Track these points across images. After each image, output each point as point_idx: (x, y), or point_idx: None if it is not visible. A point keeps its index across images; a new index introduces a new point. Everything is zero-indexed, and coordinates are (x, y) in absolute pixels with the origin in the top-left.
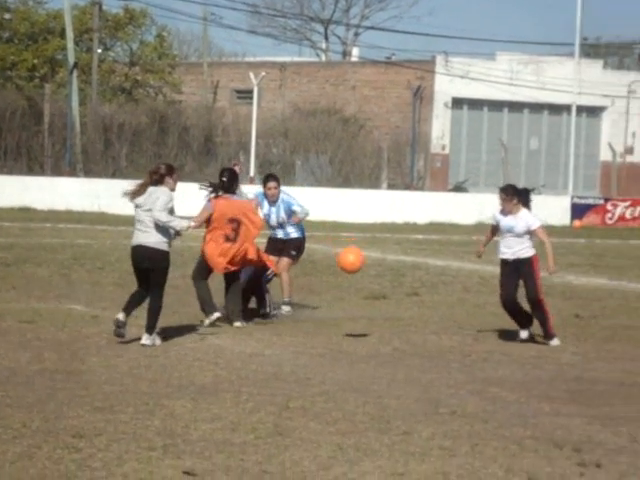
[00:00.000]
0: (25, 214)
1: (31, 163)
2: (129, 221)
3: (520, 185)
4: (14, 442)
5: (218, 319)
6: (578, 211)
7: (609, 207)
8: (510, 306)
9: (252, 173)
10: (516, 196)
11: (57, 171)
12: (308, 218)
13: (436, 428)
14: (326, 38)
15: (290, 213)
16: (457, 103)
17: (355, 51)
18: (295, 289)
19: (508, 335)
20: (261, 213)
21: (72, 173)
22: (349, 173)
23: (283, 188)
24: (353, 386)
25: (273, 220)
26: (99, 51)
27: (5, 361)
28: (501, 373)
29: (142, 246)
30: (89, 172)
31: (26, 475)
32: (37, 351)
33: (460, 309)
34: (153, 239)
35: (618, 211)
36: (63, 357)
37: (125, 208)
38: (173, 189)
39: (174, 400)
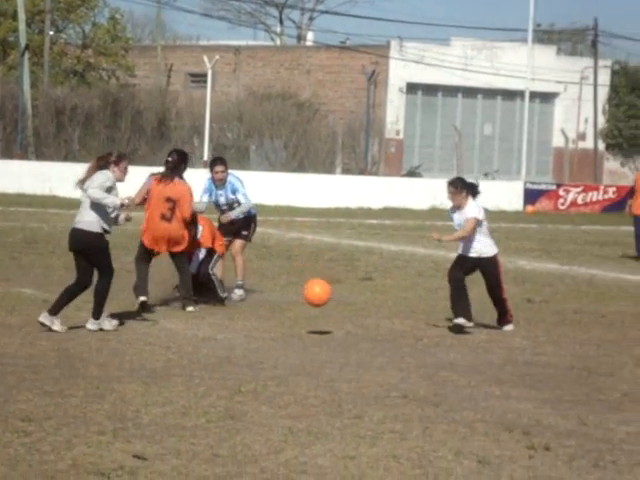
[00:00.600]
0: None
1: None
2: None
3: (474, 171)
4: None
5: (143, 304)
6: (531, 196)
7: (561, 193)
8: (455, 282)
9: (206, 157)
10: (465, 189)
11: (8, 154)
12: (262, 202)
13: (387, 412)
14: (281, 22)
15: (235, 196)
16: (411, 88)
17: (310, 35)
18: (249, 273)
19: None
20: (206, 199)
21: (23, 156)
22: (303, 158)
23: (236, 173)
24: (305, 370)
25: (222, 202)
26: (51, 33)
27: None
28: (452, 357)
29: (75, 228)
30: (41, 155)
31: None
32: None
33: (413, 293)
34: (86, 219)
35: (570, 197)
36: (13, 341)
37: (77, 191)
38: (120, 179)
39: (125, 384)
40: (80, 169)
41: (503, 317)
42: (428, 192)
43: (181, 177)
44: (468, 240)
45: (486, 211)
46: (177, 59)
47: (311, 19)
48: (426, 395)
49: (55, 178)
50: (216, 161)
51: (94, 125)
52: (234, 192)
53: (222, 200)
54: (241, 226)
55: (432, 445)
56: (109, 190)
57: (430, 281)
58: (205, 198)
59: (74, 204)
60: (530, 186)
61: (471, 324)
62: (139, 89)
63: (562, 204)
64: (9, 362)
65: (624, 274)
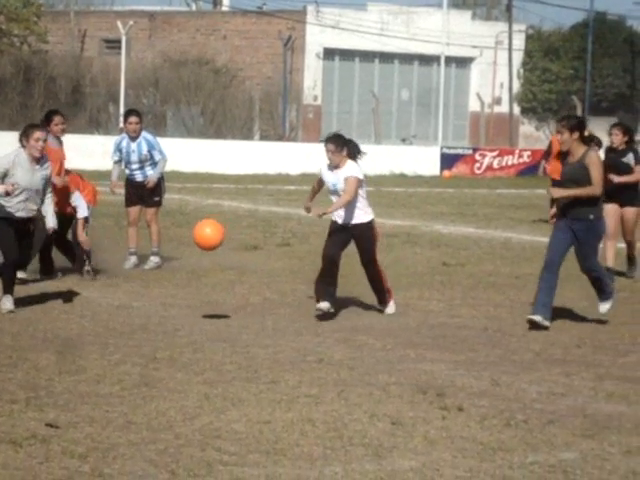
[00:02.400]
0: None
1: None
2: None
3: (392, 136)
4: None
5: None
6: (447, 161)
7: (477, 157)
8: (329, 262)
9: (122, 124)
10: (346, 147)
11: None
12: (180, 169)
13: (302, 376)
14: None
15: (151, 155)
16: (328, 54)
17: (226, 1)
18: (165, 240)
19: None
20: (117, 157)
21: None
22: (221, 124)
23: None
24: (222, 337)
25: (134, 159)
26: None
27: None
28: (367, 321)
29: None
30: None
31: None
32: None
33: None
34: None
35: (486, 161)
36: None
37: None
38: (34, 154)
39: (38, 353)
40: None
41: (382, 296)
42: None
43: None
44: (347, 205)
45: (402, 176)
46: (91, 25)
47: None
48: (342, 359)
49: None
50: (131, 112)
51: (7, 92)
52: (150, 148)
53: (134, 157)
54: (151, 192)
55: (347, 408)
56: (4, 175)
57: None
58: (116, 157)
59: None
60: (447, 151)
61: (331, 309)
62: (52, 56)
63: (478, 168)
64: None
65: (538, 237)
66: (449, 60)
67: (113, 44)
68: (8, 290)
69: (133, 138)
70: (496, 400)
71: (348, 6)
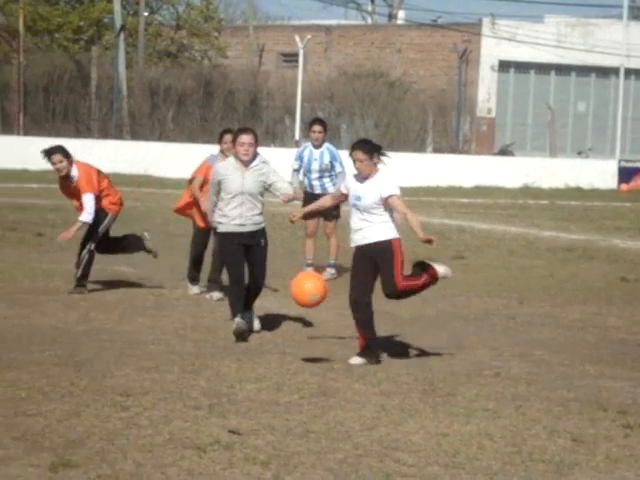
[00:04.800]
0: None
1: (78, 126)
2: (175, 184)
3: (567, 149)
4: (62, 400)
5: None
6: (625, 175)
7: None
8: (358, 310)
9: (297, 137)
10: (376, 153)
11: (104, 134)
12: None
13: (480, 390)
14: (372, 1)
15: (331, 165)
16: (504, 66)
17: (401, 14)
18: (341, 252)
19: (553, 298)
20: (297, 165)
21: (119, 136)
22: (394, 137)
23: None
24: (396, 347)
25: (315, 168)
26: (145, 14)
27: (53, 321)
28: (545, 336)
29: None
30: (135, 135)
31: (74, 433)
32: (84, 311)
33: (505, 272)
34: None
35: None
36: (110, 318)
37: (171, 171)
38: (241, 159)
39: (219, 360)
40: (174, 149)
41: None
42: (520, 170)
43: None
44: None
45: (578, 190)
46: (269, 39)
47: None
48: (519, 373)
49: (149, 158)
50: (315, 121)
51: (187, 105)
52: (332, 159)
53: (315, 166)
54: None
55: (525, 423)
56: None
57: (522, 260)
58: (296, 165)
59: (167, 183)
60: (625, 164)
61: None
62: (231, 70)
63: None
64: (106, 338)
65: None
66: (628, 72)
67: (290, 58)
68: (236, 312)
69: (316, 147)
70: None
71: (525, 18)
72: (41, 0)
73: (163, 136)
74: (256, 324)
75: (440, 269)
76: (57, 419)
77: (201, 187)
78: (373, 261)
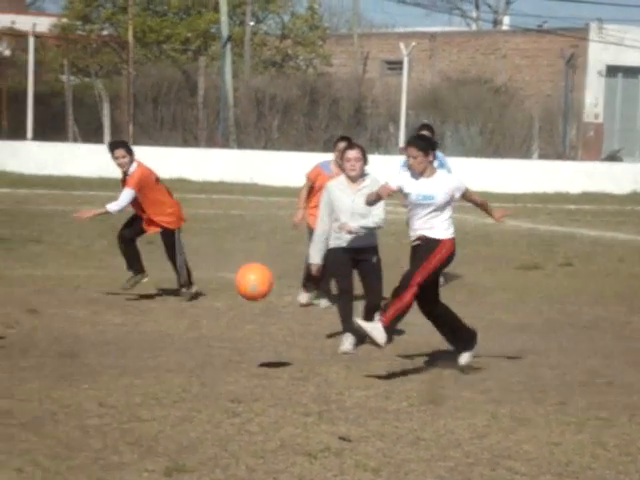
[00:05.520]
0: (180, 185)
1: (186, 135)
2: (280, 192)
3: None
4: (175, 406)
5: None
6: None
7: None
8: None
9: (402, 144)
10: (432, 151)
11: (211, 143)
12: None
13: (592, 398)
14: (477, 7)
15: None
16: (611, 71)
17: (506, 20)
18: None
19: None
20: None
21: (225, 145)
22: (499, 143)
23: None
24: (506, 355)
25: None
26: (251, 24)
27: (164, 328)
28: None
29: None
30: (241, 144)
31: (187, 438)
32: (194, 318)
33: (615, 279)
34: None
35: None
36: (219, 324)
37: (276, 179)
38: (348, 175)
39: (328, 367)
40: (279, 157)
41: (375, 313)
42: (629, 176)
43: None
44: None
45: None
46: (373, 47)
47: (507, 3)
48: (632, 382)
49: (255, 166)
50: (423, 126)
51: (292, 114)
52: (440, 165)
53: None
54: None
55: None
56: None
57: (632, 267)
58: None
59: (273, 191)
60: None
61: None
62: (336, 78)
63: None
64: (216, 345)
65: None
66: None
67: (394, 65)
68: (347, 327)
69: None
70: None
71: (633, 22)
72: (150, 12)
73: (268, 144)
74: (347, 345)
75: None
76: (170, 424)
77: (309, 193)
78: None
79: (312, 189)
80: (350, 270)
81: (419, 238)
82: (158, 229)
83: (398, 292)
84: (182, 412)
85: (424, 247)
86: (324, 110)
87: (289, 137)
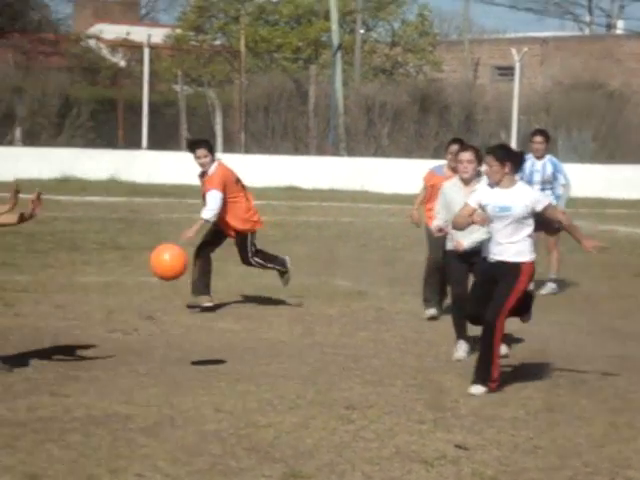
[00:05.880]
0: (291, 193)
1: (296, 143)
2: (391, 199)
3: None
4: (290, 412)
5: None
6: None
7: None
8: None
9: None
10: (509, 161)
11: (321, 151)
12: (572, 195)
13: None
14: (590, 11)
15: (554, 177)
16: None
17: (620, 23)
18: (562, 266)
19: None
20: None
21: (335, 152)
22: (613, 149)
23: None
24: (624, 365)
25: (537, 179)
26: (362, 32)
27: (278, 334)
28: None
29: None
30: (352, 151)
31: (303, 444)
32: (308, 325)
33: None
34: None
35: None
36: (332, 331)
37: (387, 186)
38: (461, 176)
39: (442, 375)
40: (389, 164)
41: (482, 371)
42: None
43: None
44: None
45: None
46: (484, 53)
47: (621, 7)
48: None
49: (365, 173)
50: (537, 132)
51: (402, 121)
52: (555, 170)
53: (537, 177)
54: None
55: None
56: None
57: None
58: (517, 177)
59: (384, 199)
60: None
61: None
62: (446, 84)
63: None
64: (330, 351)
65: None
66: None
67: (505, 71)
68: (461, 335)
69: (538, 158)
70: None
71: None
72: (261, 21)
73: (378, 152)
74: (461, 352)
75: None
76: (286, 431)
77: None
78: (494, 279)
79: (428, 192)
80: (465, 276)
81: (498, 262)
82: (232, 233)
83: (486, 334)
84: (297, 418)
85: (504, 272)
86: (434, 117)
87: (399, 144)
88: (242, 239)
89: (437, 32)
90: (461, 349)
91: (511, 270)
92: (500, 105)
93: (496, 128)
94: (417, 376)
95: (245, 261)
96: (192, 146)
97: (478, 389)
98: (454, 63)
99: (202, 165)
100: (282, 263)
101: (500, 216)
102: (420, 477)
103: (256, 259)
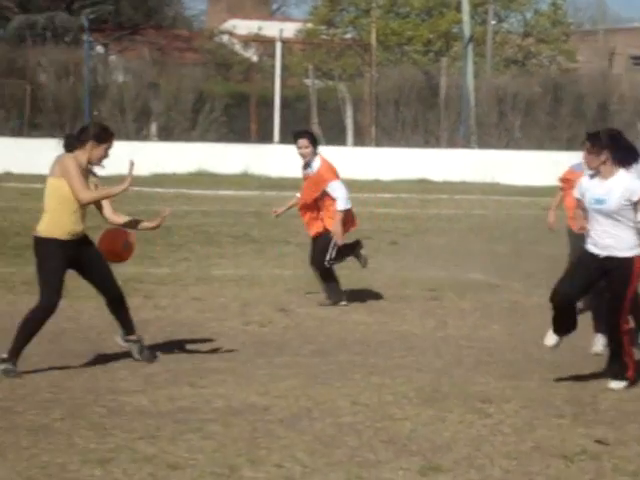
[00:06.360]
0: (422, 185)
1: (427, 136)
2: (523, 191)
3: None
4: (426, 405)
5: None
6: None
7: None
8: (564, 306)
9: None
10: (606, 150)
11: (452, 143)
12: None
13: None
14: None
15: None
16: None
17: None
18: None
19: None
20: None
21: (466, 145)
22: None
23: None
24: None
25: None
26: (493, 23)
27: (411, 327)
28: None
29: None
30: (483, 143)
31: (440, 438)
32: (441, 318)
33: None
34: None
35: None
36: (466, 324)
37: (519, 179)
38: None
39: (579, 369)
40: (521, 156)
41: (616, 366)
42: None
43: None
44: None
45: None
46: (619, 42)
47: None
48: None
49: (497, 166)
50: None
51: (535, 112)
52: None
53: None
54: None
55: None
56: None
57: None
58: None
59: (516, 191)
60: None
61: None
62: (581, 74)
63: None
64: (464, 345)
65: None
66: None
67: None
68: (598, 328)
69: None
70: None
71: None
72: (392, 14)
73: (510, 144)
74: (599, 346)
75: None
76: (422, 424)
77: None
78: (601, 273)
79: (566, 191)
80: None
81: (606, 258)
82: (320, 230)
83: (612, 334)
84: (434, 411)
85: (614, 271)
86: (567, 108)
87: (531, 136)
88: (326, 240)
89: (571, 22)
90: (599, 343)
91: (620, 269)
92: (636, 95)
93: (632, 118)
94: (554, 370)
95: (317, 262)
96: (295, 136)
97: (618, 384)
98: (588, 53)
99: (302, 155)
100: (338, 292)
101: (595, 209)
102: (560, 472)
103: (327, 266)
